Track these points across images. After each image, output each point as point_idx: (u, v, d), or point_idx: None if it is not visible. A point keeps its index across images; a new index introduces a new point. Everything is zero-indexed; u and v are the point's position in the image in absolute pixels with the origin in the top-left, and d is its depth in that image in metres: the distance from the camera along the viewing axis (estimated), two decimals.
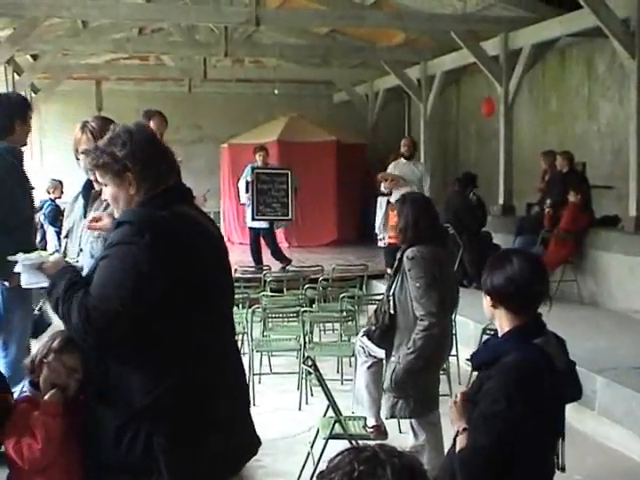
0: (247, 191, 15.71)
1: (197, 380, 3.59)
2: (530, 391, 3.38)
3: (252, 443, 3.94)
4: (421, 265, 5.99)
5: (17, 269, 3.80)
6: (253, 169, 15.76)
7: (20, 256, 3.81)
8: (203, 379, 3.61)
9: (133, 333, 3.46)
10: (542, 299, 3.80)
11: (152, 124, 7.43)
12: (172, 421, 3.53)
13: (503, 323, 3.68)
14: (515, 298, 3.63)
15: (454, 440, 3.63)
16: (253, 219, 15.79)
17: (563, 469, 3.69)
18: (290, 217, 16.18)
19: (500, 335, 3.71)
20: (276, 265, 15.16)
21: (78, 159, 4.97)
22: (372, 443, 2.15)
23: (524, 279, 3.61)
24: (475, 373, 3.87)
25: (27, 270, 3.78)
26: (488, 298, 3.73)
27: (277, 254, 15.67)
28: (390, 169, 14.52)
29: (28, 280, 3.82)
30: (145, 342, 3.49)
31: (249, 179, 15.65)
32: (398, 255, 6.29)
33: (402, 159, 14.44)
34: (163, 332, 3.50)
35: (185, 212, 3.73)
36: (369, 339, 6.71)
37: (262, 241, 15.88)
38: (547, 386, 3.45)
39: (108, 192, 3.76)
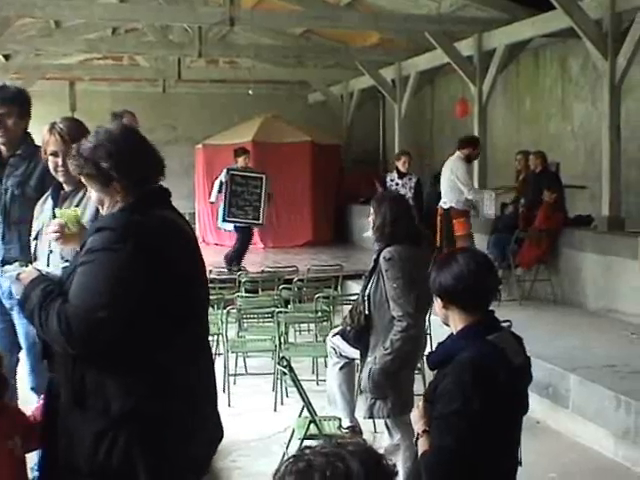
0: (220, 191, 15.70)
1: (176, 386, 3.57)
2: (485, 387, 3.38)
3: (217, 438, 3.94)
4: (398, 265, 5.99)
5: (5, 282, 3.77)
6: (229, 170, 15.75)
7: (8, 267, 3.78)
8: (182, 385, 3.59)
9: (114, 339, 3.43)
10: (492, 294, 3.81)
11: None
12: (152, 428, 3.50)
13: (456, 323, 3.68)
14: (465, 295, 3.62)
15: (415, 443, 3.63)
16: (224, 220, 15.77)
17: (520, 463, 3.70)
18: (261, 222, 16.09)
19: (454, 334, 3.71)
20: (252, 266, 15.15)
21: (47, 160, 4.95)
22: (317, 447, 2.14)
23: (471, 275, 3.61)
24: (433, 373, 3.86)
25: (14, 282, 3.76)
26: (439, 300, 3.72)
27: (240, 256, 15.58)
28: (465, 171, 12.77)
29: (18, 291, 3.79)
30: (124, 348, 3.45)
31: (223, 179, 15.64)
32: (374, 256, 6.29)
33: (466, 162, 12.88)
34: (143, 338, 3.48)
35: (165, 216, 3.71)
36: (344, 339, 6.71)
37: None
38: (503, 381, 3.45)
39: (93, 196, 3.74)
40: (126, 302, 3.43)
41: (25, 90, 6.25)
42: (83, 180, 3.75)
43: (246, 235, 15.89)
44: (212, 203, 16.70)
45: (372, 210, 6.29)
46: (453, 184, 12.52)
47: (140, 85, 23.02)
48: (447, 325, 3.76)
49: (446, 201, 12.60)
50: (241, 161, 15.80)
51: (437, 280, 3.68)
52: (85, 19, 16.23)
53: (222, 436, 3.96)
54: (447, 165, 12.90)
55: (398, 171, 15.17)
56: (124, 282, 3.44)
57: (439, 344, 3.78)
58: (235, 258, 15.29)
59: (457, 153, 12.83)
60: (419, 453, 3.52)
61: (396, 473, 2.12)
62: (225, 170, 15.81)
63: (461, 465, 3.34)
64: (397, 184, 14.93)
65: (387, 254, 6.04)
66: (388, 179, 15.15)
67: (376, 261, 6.14)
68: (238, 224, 15.79)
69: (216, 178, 16.44)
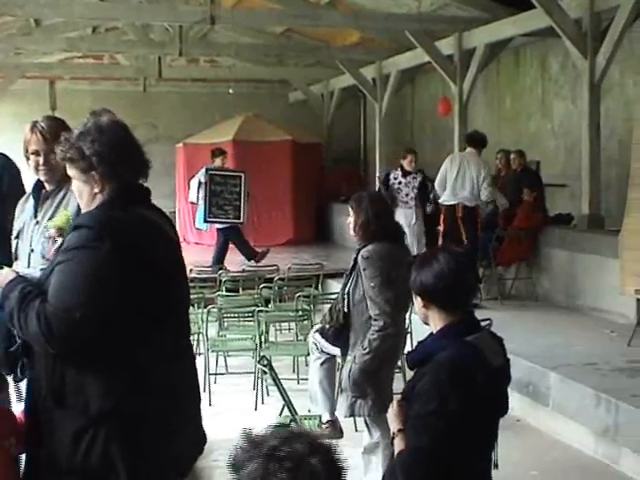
0: (198, 191, 15.66)
1: (156, 385, 3.56)
2: (463, 388, 3.37)
3: (201, 439, 3.94)
4: (376, 264, 5.99)
5: None
6: (207, 170, 15.71)
7: None
8: (162, 384, 3.58)
9: (94, 338, 3.41)
10: (472, 293, 3.80)
11: None
12: (132, 426, 3.49)
13: (436, 322, 3.66)
14: (445, 294, 3.61)
15: (391, 442, 3.62)
16: (205, 220, 15.74)
17: (496, 466, 3.69)
18: (241, 220, 16.03)
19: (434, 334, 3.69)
20: (233, 265, 15.12)
21: (28, 159, 4.94)
22: (275, 441, 2.16)
23: (452, 274, 3.60)
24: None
25: None
26: (419, 299, 3.70)
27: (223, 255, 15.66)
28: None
29: None
30: (103, 347, 3.45)
31: (202, 180, 15.60)
32: (354, 254, 6.29)
33: None
34: (122, 337, 3.47)
35: (144, 215, 3.69)
36: (323, 337, 6.71)
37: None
38: (481, 383, 3.44)
39: (74, 185, 3.73)
40: (104, 300, 3.41)
41: None
42: (67, 169, 3.72)
43: (236, 234, 15.85)
44: (194, 203, 16.62)
45: (352, 210, 6.28)
46: (478, 183, 12.15)
47: (121, 84, 22.96)
48: (427, 324, 3.75)
49: (471, 199, 12.14)
50: (218, 161, 15.77)
51: (417, 279, 3.66)
52: (65, 18, 16.18)
53: (205, 439, 3.95)
54: (469, 162, 12.27)
55: (403, 169, 14.41)
56: (102, 280, 3.43)
57: (419, 343, 3.77)
58: (248, 256, 15.48)
59: (472, 150, 12.38)
60: (395, 452, 3.50)
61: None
62: (204, 170, 15.77)
63: (437, 465, 3.33)
64: (400, 182, 14.33)
65: (365, 253, 6.05)
66: (391, 177, 14.59)
67: (356, 260, 6.15)
68: (219, 224, 15.77)
69: (192, 177, 16.43)
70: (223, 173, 15.89)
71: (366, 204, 6.21)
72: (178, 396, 3.66)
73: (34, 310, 3.42)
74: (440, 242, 12.18)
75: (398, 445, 3.50)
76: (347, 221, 6.34)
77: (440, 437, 3.31)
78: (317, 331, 7.00)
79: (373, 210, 6.17)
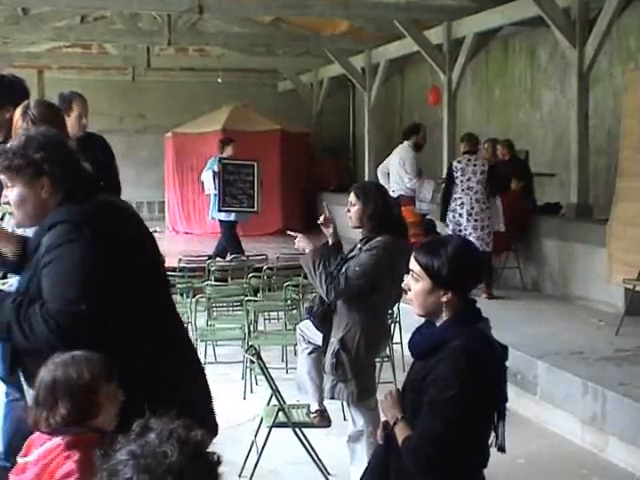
0: (214, 181, 15.45)
1: (157, 367, 3.58)
2: (480, 374, 3.36)
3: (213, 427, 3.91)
4: (378, 256, 5.85)
5: None
6: (220, 159, 15.59)
7: None
8: (164, 365, 3.61)
9: (97, 328, 3.42)
10: (479, 280, 3.79)
11: (74, 108, 7.02)
12: (132, 413, 3.47)
13: (447, 309, 3.61)
14: (463, 279, 3.55)
15: (386, 433, 3.60)
16: (219, 210, 15.49)
17: (503, 450, 3.67)
18: (256, 209, 15.92)
19: (440, 322, 3.63)
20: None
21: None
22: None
23: (469, 259, 3.55)
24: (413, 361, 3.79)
25: None
26: (425, 285, 3.64)
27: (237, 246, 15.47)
28: (413, 160, 12.91)
29: None
30: (103, 335, 3.44)
31: (215, 169, 15.46)
32: (359, 244, 6.13)
33: (415, 151, 13.06)
34: (119, 322, 3.49)
35: (108, 199, 3.74)
36: (311, 316, 6.61)
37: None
38: (494, 368, 3.45)
39: (15, 193, 3.63)
40: (100, 287, 3.43)
41: (4, 76, 6.07)
42: (7, 179, 3.64)
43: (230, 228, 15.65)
44: (209, 196, 16.27)
45: (356, 199, 6.06)
46: (402, 172, 12.68)
47: (109, 73, 22.88)
48: (423, 315, 3.69)
49: (395, 190, 12.46)
50: (229, 150, 15.61)
51: (432, 263, 3.52)
52: (53, 7, 16.15)
53: (217, 428, 3.91)
54: (395, 154, 12.98)
55: None
56: (93, 268, 3.45)
57: (418, 331, 3.70)
58: (235, 250, 15.12)
59: (405, 143, 12.89)
60: (400, 439, 3.47)
61: None
62: (216, 159, 15.62)
63: (454, 450, 3.33)
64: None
65: (376, 243, 5.88)
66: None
67: (360, 248, 6.00)
68: (234, 213, 15.53)
69: (201, 171, 16.27)
70: (236, 162, 15.78)
71: (376, 195, 6.06)
72: (179, 379, 3.68)
73: (37, 315, 3.41)
74: None
75: (402, 432, 3.49)
76: (350, 209, 6.12)
77: (455, 423, 3.30)
78: (306, 310, 6.96)
79: (383, 201, 6.06)
